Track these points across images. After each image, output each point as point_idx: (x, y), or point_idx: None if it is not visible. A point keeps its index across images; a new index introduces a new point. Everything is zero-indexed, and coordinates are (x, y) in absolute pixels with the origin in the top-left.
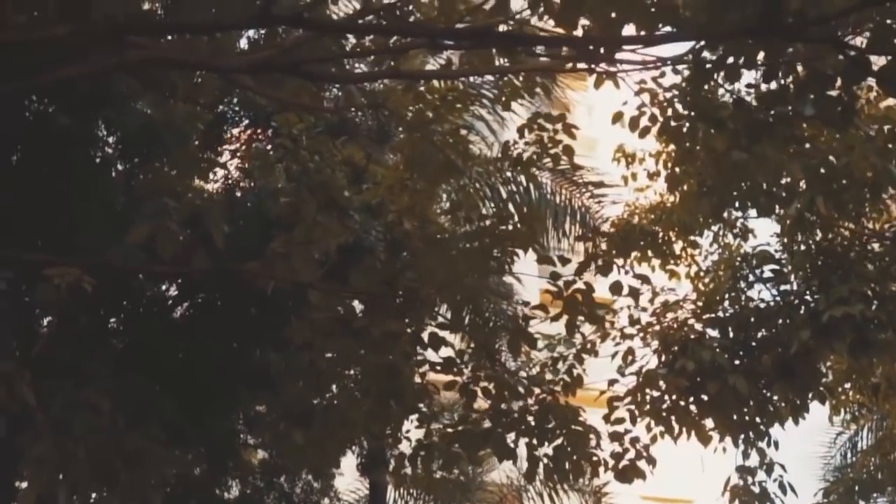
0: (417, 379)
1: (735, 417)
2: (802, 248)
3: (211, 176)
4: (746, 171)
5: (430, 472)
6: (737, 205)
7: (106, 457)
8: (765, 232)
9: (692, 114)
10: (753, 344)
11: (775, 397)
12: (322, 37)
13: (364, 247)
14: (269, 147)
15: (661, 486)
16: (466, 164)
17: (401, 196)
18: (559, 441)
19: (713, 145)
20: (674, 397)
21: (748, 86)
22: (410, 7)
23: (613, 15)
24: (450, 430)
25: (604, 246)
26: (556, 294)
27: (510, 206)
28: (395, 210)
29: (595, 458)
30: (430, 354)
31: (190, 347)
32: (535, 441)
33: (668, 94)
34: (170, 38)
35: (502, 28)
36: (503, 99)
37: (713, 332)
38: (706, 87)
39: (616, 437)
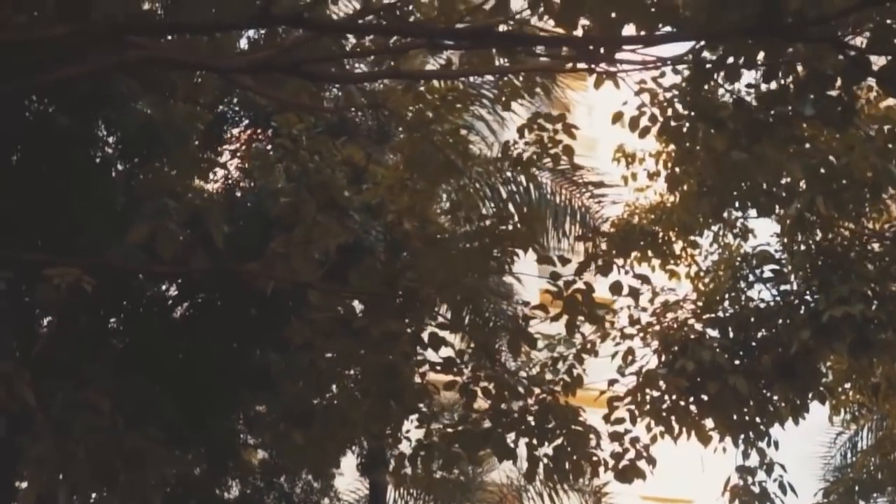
0: (417, 379)
1: (735, 417)
2: (802, 248)
3: (211, 176)
4: (746, 171)
5: (430, 472)
6: (737, 205)
7: (106, 457)
8: (765, 232)
9: (692, 114)
10: (753, 344)
11: (775, 397)
12: (322, 37)
13: (364, 247)
14: (269, 147)
15: (661, 487)
16: (466, 165)
17: (401, 196)
18: (559, 441)
19: (713, 145)
20: (674, 397)
21: (748, 86)
22: (410, 7)
23: (613, 15)
24: (450, 430)
25: (604, 246)
26: (556, 294)
27: (510, 207)
28: (395, 210)
29: (595, 458)
30: (431, 355)
31: (190, 348)
32: (535, 441)
33: (668, 94)
34: (170, 38)
35: (502, 28)
36: (503, 99)
37: (713, 332)
38: (706, 87)
39: (616, 437)
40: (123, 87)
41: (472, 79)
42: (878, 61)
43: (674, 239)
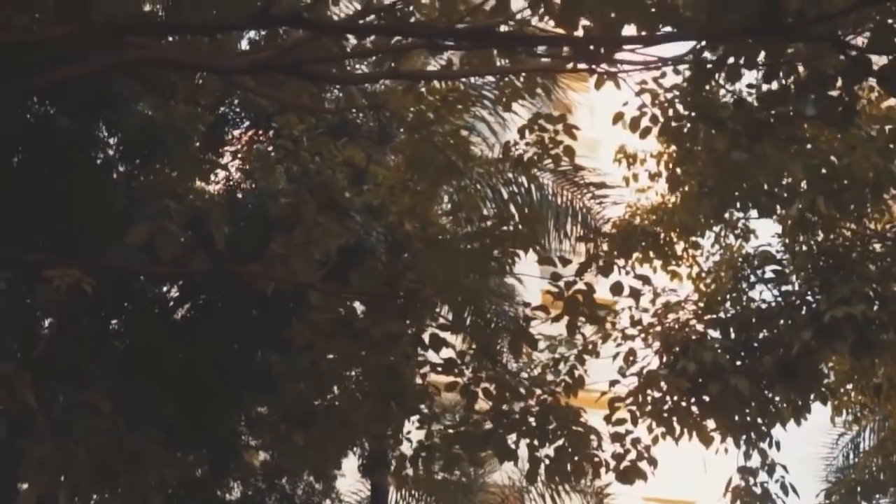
0: (418, 380)
1: (736, 418)
2: (804, 248)
3: (212, 177)
4: (747, 172)
5: (431, 473)
6: (738, 205)
7: (107, 458)
8: (766, 232)
9: (693, 114)
10: (755, 345)
11: (777, 398)
12: (322, 37)
13: (365, 248)
14: (270, 148)
15: (663, 487)
16: (467, 166)
17: (402, 197)
18: (560, 442)
19: (714, 146)
20: (675, 398)
21: (749, 86)
22: (411, 8)
23: (613, 15)
24: (451, 431)
25: (605, 247)
26: (557, 295)
27: (511, 208)
28: (396, 211)
29: (596, 459)
30: (432, 356)
31: (191, 349)
32: (536, 442)
33: (669, 95)
34: (170, 39)
35: (503, 28)
36: (504, 100)
37: (714, 333)
38: (707, 87)
39: (617, 437)
40: (124, 88)
41: (473, 80)
42: (879, 61)
43: (675, 240)
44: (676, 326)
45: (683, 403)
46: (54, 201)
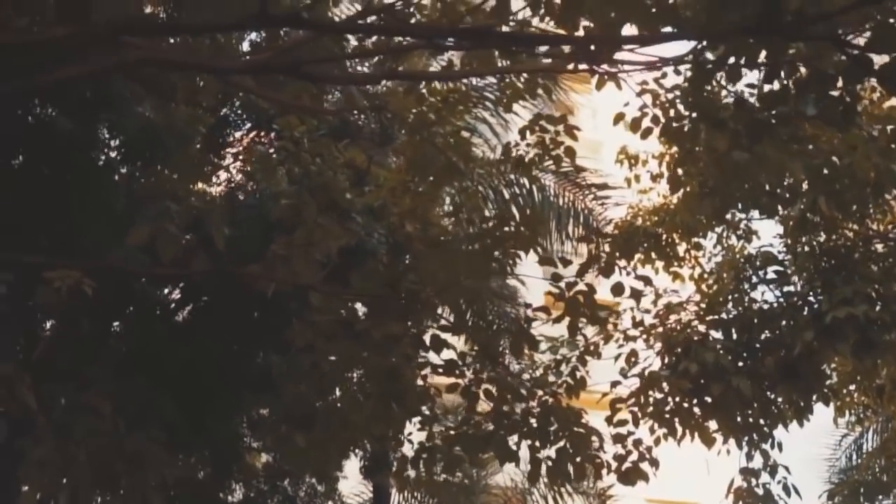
0: (419, 381)
1: (738, 419)
2: (806, 249)
3: (214, 179)
4: (748, 172)
5: (433, 474)
6: (740, 206)
7: (107, 460)
8: (768, 233)
9: (693, 114)
10: (757, 345)
11: (779, 399)
12: (322, 38)
13: (366, 249)
14: (271, 150)
15: (665, 489)
16: (468, 167)
17: (403, 198)
18: (562, 443)
19: (715, 146)
20: (677, 399)
21: (749, 86)
22: (412, 9)
23: (613, 15)
24: (452, 432)
25: (607, 248)
26: (558, 296)
27: (513, 209)
28: (398, 212)
29: (598, 461)
30: (433, 357)
31: (192, 350)
32: (537, 443)
33: (670, 95)
34: (171, 40)
35: (503, 29)
36: (504, 101)
37: (716, 334)
38: (708, 87)
39: (619, 439)
40: (125, 90)
41: (474, 81)
42: (880, 61)
43: (677, 241)
44: (678, 327)
45: (685, 404)
46: (55, 203)
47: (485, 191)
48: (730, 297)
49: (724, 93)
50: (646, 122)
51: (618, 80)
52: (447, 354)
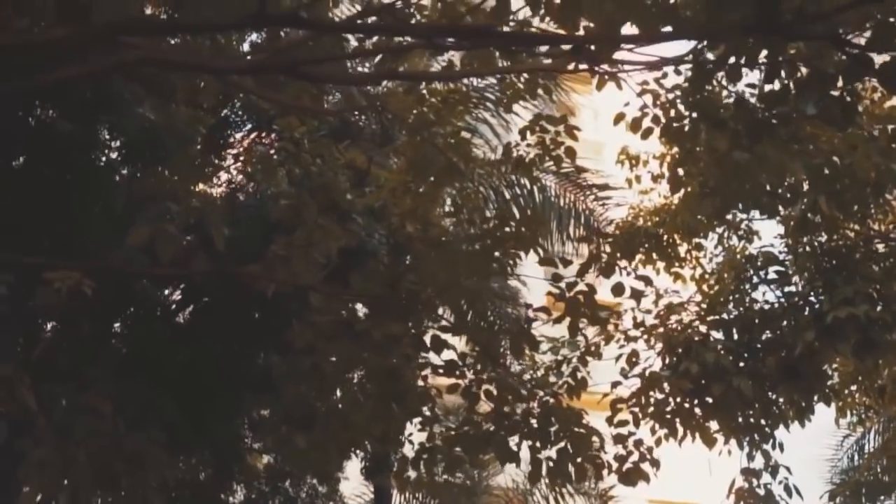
0: (420, 382)
1: (740, 420)
2: (807, 249)
3: (214, 180)
4: (748, 172)
5: (433, 475)
6: (740, 206)
7: (107, 460)
8: (769, 233)
9: (694, 114)
10: (758, 346)
11: (780, 399)
12: (321, 38)
13: (367, 250)
14: (271, 151)
15: (667, 489)
16: (469, 167)
17: (403, 199)
18: (562, 444)
19: (715, 146)
20: (678, 399)
21: (750, 86)
22: (412, 9)
23: (612, 14)
24: (452, 433)
25: (608, 248)
26: (559, 296)
27: (514, 209)
28: (398, 213)
29: (599, 461)
30: (434, 357)
31: (193, 351)
32: (538, 444)
33: (671, 95)
34: (171, 41)
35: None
36: (505, 101)
37: (717, 334)
38: (709, 87)
39: (620, 439)
40: (125, 91)
41: (475, 82)
42: (880, 60)
43: (678, 241)
44: (679, 328)
45: (686, 405)
46: (55, 203)
47: (485, 191)
48: (731, 298)
49: (724, 93)
50: (646, 123)
51: (618, 81)
52: (448, 355)
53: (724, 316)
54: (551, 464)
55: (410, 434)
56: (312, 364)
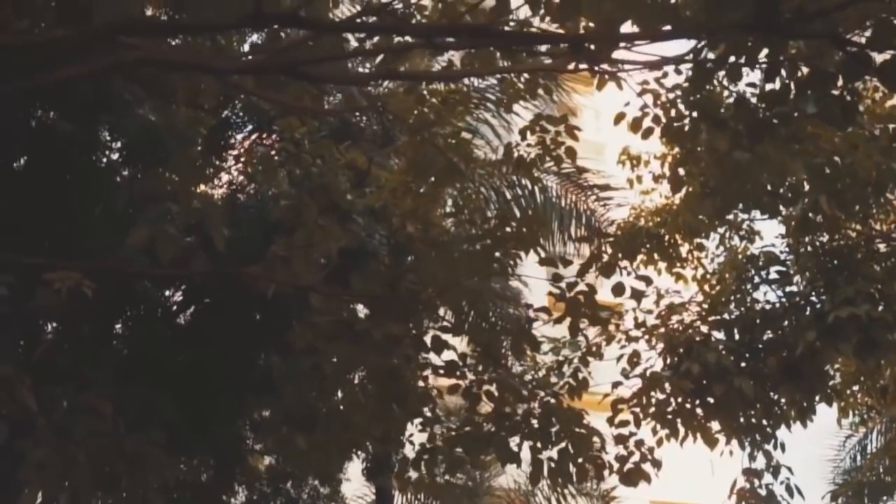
0: (421, 383)
1: (741, 420)
2: (808, 249)
3: (215, 181)
4: (749, 172)
5: (434, 476)
6: (741, 206)
7: (107, 461)
8: (770, 233)
9: (694, 114)
10: (759, 346)
11: (781, 399)
12: (321, 38)
13: (367, 250)
14: (272, 151)
15: (669, 490)
16: (469, 167)
17: (404, 199)
18: (563, 444)
19: (715, 146)
20: (679, 400)
21: (750, 85)
22: (412, 9)
23: (611, 13)
24: (453, 433)
25: (609, 249)
26: (559, 296)
27: (514, 209)
28: (399, 213)
29: (600, 462)
30: (435, 358)
31: (193, 352)
32: (538, 444)
33: (671, 95)
34: (171, 41)
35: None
36: (505, 101)
37: (718, 334)
38: (709, 87)
39: (621, 440)
40: (126, 92)
41: (475, 82)
42: (881, 59)
43: (680, 242)
44: (680, 328)
45: (687, 405)
46: (56, 204)
47: (486, 192)
48: (732, 298)
49: (724, 92)
50: (646, 122)
51: (618, 80)
52: (448, 355)
53: (726, 316)
54: (552, 464)
55: (411, 435)
56: (313, 365)
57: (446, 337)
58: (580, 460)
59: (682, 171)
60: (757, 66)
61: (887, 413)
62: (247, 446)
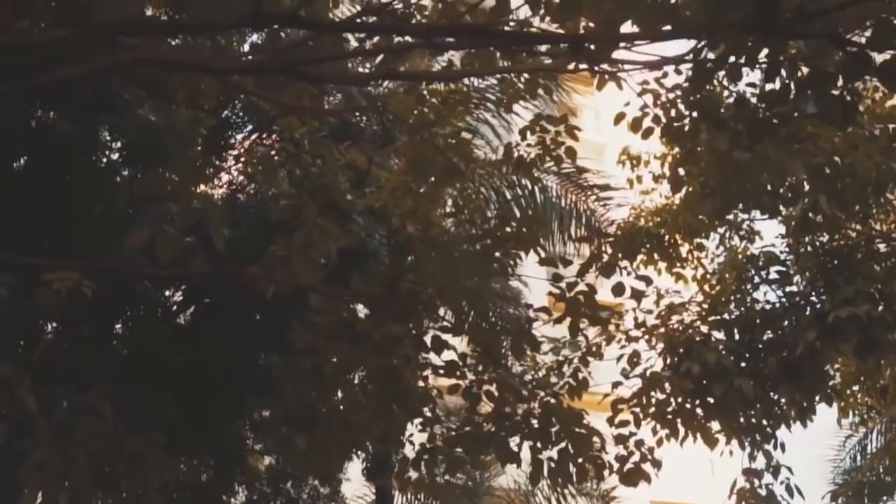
0: (421, 383)
1: (741, 420)
2: (808, 249)
3: (215, 181)
4: (749, 172)
5: (434, 476)
6: (741, 206)
7: (107, 461)
8: (770, 233)
9: (694, 114)
10: (759, 346)
11: (781, 399)
12: (321, 38)
13: (367, 250)
14: (272, 152)
15: (669, 490)
16: (469, 167)
17: (404, 199)
18: (563, 444)
19: (715, 145)
20: (679, 400)
21: (750, 85)
22: (412, 9)
23: (611, 13)
24: (453, 433)
25: (609, 249)
26: (559, 296)
27: (514, 210)
28: (399, 214)
29: (600, 462)
30: (435, 358)
31: (193, 352)
32: (538, 444)
33: (671, 95)
34: (171, 41)
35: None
36: (505, 101)
37: (718, 334)
38: (709, 87)
39: (621, 440)
40: (126, 92)
41: (475, 82)
42: (881, 59)
43: (680, 242)
44: (680, 328)
45: (687, 405)
46: (56, 204)
47: (486, 192)
48: (732, 298)
49: (724, 92)
50: (646, 122)
51: (618, 80)
52: (448, 356)
53: (726, 316)
54: (552, 464)
55: (411, 435)
56: (313, 365)
57: (446, 337)
58: (580, 460)
59: (682, 171)
60: (757, 66)
61: (887, 413)
62: (247, 446)
